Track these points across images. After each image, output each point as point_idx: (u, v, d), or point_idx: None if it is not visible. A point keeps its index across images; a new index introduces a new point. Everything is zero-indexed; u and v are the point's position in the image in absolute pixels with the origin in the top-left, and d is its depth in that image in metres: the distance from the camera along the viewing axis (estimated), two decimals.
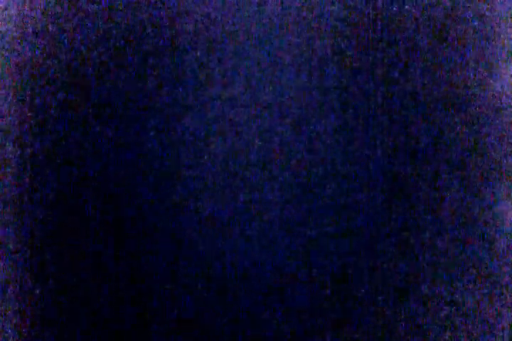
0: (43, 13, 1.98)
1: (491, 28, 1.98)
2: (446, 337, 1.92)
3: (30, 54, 1.98)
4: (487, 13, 1.98)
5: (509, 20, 1.99)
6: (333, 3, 1.95)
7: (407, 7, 1.96)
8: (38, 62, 1.97)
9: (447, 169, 1.94)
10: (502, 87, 1.98)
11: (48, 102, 1.96)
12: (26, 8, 1.98)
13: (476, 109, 1.96)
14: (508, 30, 1.99)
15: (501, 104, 1.98)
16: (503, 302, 1.94)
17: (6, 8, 1.99)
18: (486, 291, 1.93)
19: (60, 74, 1.96)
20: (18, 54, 1.98)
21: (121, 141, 1.93)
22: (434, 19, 1.96)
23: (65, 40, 1.97)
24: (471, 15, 1.97)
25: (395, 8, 1.95)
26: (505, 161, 1.96)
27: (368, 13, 1.95)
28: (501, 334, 1.94)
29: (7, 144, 1.97)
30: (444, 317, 1.92)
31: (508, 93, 1.98)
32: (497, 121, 1.97)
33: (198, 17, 1.95)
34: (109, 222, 1.92)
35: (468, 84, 1.96)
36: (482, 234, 1.94)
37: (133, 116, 1.94)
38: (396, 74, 1.95)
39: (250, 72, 1.94)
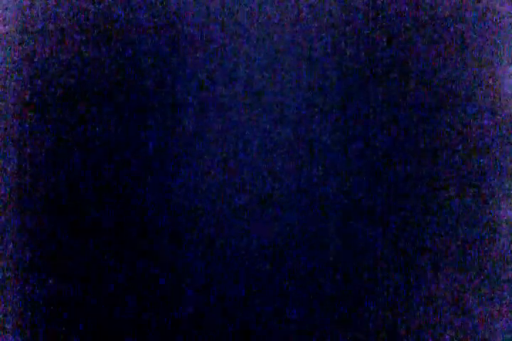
0: (43, 13, 1.98)
1: (491, 28, 1.98)
2: (447, 337, 1.92)
3: (30, 54, 1.98)
4: (487, 13, 1.98)
5: (509, 20, 1.99)
6: (333, 3, 1.95)
7: (407, 7, 1.96)
8: (38, 62, 1.97)
9: (447, 169, 1.94)
10: (502, 87, 1.98)
11: (48, 102, 1.96)
12: (26, 8, 1.98)
13: (475, 109, 1.96)
14: (508, 30, 1.99)
15: (501, 104, 1.98)
16: (503, 302, 1.94)
17: (6, 8, 1.99)
18: (486, 291, 1.94)
19: (60, 74, 1.96)
20: (18, 54, 1.98)
21: (121, 140, 1.94)
22: (434, 19, 1.96)
23: (65, 40, 1.97)
24: (471, 15, 1.98)
25: (395, 8, 1.95)
26: (504, 161, 1.96)
27: (368, 13, 1.95)
28: (501, 334, 1.94)
29: (7, 144, 1.97)
30: (444, 317, 1.92)
31: (508, 93, 1.98)
32: (497, 121, 1.97)
33: (198, 17, 1.95)
34: (108, 222, 1.92)
35: (468, 84, 1.96)
36: (482, 234, 1.94)
37: (133, 116, 1.94)
38: (396, 74, 1.95)
39: (250, 72, 1.94)
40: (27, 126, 1.97)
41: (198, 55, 1.94)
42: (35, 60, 1.97)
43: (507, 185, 1.96)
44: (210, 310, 1.91)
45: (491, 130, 1.97)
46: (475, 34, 1.97)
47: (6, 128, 1.97)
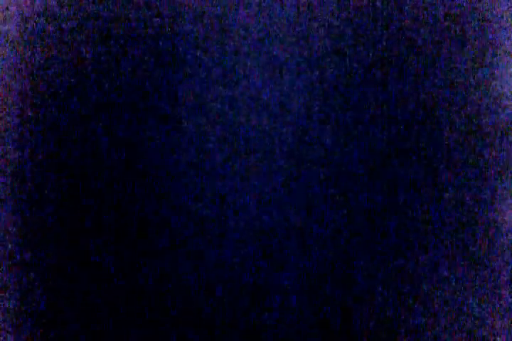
0: (43, 13, 1.98)
1: (491, 28, 1.98)
2: (447, 337, 1.92)
3: (30, 54, 1.98)
4: (487, 13, 1.98)
5: (509, 20, 1.99)
6: (333, 3, 1.95)
7: (407, 7, 1.96)
8: (38, 62, 1.97)
9: (447, 169, 1.94)
10: (502, 87, 1.98)
11: (48, 102, 1.96)
12: (26, 8, 1.99)
13: (476, 109, 1.96)
14: (508, 30, 1.99)
15: (501, 104, 1.98)
16: (503, 302, 1.94)
17: (6, 8, 1.99)
18: (486, 291, 1.94)
19: (60, 74, 1.96)
20: (18, 54, 1.98)
21: (121, 140, 1.94)
22: (434, 19, 1.96)
23: (65, 40, 1.97)
24: (471, 15, 1.98)
25: (395, 8, 1.96)
26: (505, 161, 1.97)
27: (368, 13, 1.95)
28: (501, 334, 1.94)
29: (7, 144, 1.97)
30: (444, 317, 1.92)
31: (508, 93, 1.98)
32: (497, 121, 1.97)
33: (198, 17, 1.95)
34: (109, 222, 1.92)
35: (468, 84, 1.96)
36: (482, 234, 1.94)
37: (133, 116, 1.94)
38: (396, 75, 1.95)
39: (250, 72, 1.94)
40: (27, 126, 1.97)
41: (198, 54, 1.94)
42: (35, 60, 1.97)
43: (507, 185, 1.96)
44: (209, 310, 1.91)
45: (491, 130, 1.97)
46: (475, 34, 1.97)
47: (6, 128, 1.98)
